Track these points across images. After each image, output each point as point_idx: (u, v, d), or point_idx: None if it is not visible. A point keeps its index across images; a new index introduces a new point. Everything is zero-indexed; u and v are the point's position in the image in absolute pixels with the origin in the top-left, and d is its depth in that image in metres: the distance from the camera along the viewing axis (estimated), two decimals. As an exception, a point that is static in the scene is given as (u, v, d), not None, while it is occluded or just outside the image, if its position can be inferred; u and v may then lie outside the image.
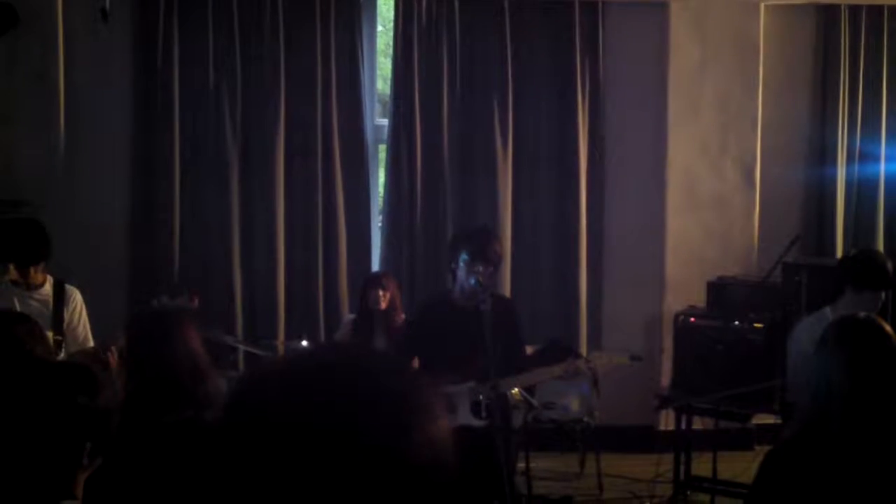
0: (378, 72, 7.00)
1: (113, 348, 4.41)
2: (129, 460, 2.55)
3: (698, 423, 6.08)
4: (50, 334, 4.63)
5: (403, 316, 5.77)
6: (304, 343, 5.77)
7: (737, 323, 5.90)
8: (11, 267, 4.83)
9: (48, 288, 4.89)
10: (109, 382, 2.43)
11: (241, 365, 6.32)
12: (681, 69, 6.77)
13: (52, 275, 4.97)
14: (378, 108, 6.96)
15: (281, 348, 6.27)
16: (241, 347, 6.14)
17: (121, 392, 2.84)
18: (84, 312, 5.00)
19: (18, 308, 3.34)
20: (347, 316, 6.29)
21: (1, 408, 2.24)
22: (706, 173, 6.84)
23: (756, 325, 5.84)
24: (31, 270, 4.83)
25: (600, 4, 6.67)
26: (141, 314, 3.10)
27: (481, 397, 4.43)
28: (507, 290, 6.48)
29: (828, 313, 4.80)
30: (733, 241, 6.83)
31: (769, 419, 6.01)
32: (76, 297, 4.97)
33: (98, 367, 4.27)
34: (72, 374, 2.33)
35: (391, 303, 5.82)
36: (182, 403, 2.83)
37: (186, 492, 2.66)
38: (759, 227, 6.87)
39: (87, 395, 2.25)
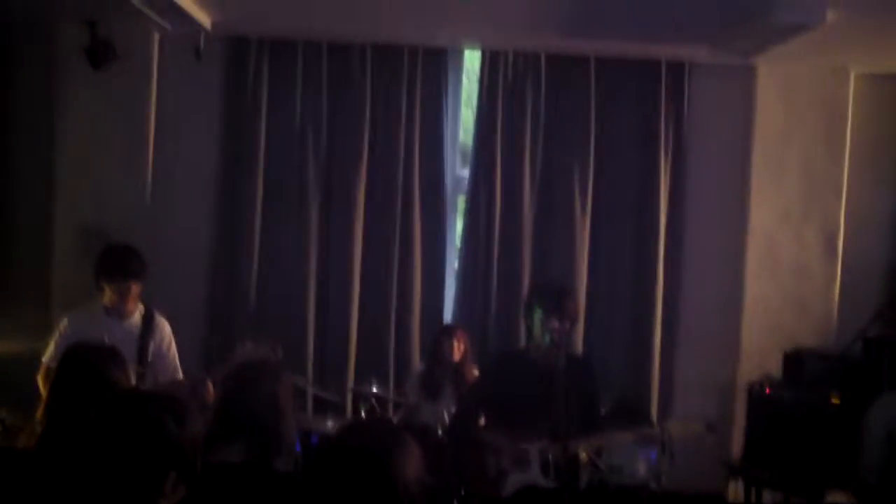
0: (460, 122, 7.04)
1: (209, 383, 4.47)
2: (204, 497, 2.58)
3: (768, 496, 5.94)
4: (133, 367, 4.72)
5: (475, 370, 5.76)
6: (374, 389, 5.76)
7: (812, 396, 5.78)
8: (107, 290, 4.91)
9: (137, 318, 4.97)
10: (201, 415, 2.45)
11: (310, 407, 6.37)
12: (766, 134, 6.71)
13: (143, 304, 5.05)
14: (458, 158, 6.99)
15: (350, 395, 6.28)
16: (311, 390, 6.17)
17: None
18: (173, 344, 5.05)
19: (106, 336, 3.41)
20: (418, 367, 6.28)
21: (84, 434, 2.27)
22: (787, 240, 6.74)
23: (833, 399, 5.71)
24: (133, 288, 4.88)
25: (687, 65, 6.64)
26: (238, 362, 3.19)
27: (551, 457, 4.39)
28: (579, 347, 6.44)
29: None
30: (812, 310, 6.69)
31: (843, 498, 5.85)
32: (164, 329, 5.03)
33: (190, 400, 4.34)
34: (159, 402, 2.36)
35: (464, 355, 5.81)
36: (259, 448, 2.88)
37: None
38: (840, 297, 6.73)
39: (174, 423, 2.28)
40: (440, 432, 5.22)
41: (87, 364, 3.23)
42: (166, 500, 2.26)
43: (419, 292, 6.62)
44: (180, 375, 5.05)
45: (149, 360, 4.91)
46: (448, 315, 6.71)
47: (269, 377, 3.03)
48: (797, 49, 5.96)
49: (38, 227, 6.33)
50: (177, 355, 5.08)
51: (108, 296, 4.92)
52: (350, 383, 6.38)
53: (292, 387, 3.10)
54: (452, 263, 6.85)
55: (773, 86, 6.69)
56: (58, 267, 6.31)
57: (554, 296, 4.63)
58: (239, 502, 2.77)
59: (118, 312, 4.94)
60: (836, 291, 6.74)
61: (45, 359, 4.91)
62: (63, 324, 4.96)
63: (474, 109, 6.81)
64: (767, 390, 5.97)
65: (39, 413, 3.22)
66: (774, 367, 6.21)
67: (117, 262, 4.93)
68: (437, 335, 5.94)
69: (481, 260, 6.62)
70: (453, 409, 5.29)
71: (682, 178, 6.72)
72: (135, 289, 4.92)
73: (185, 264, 6.46)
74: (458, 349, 5.79)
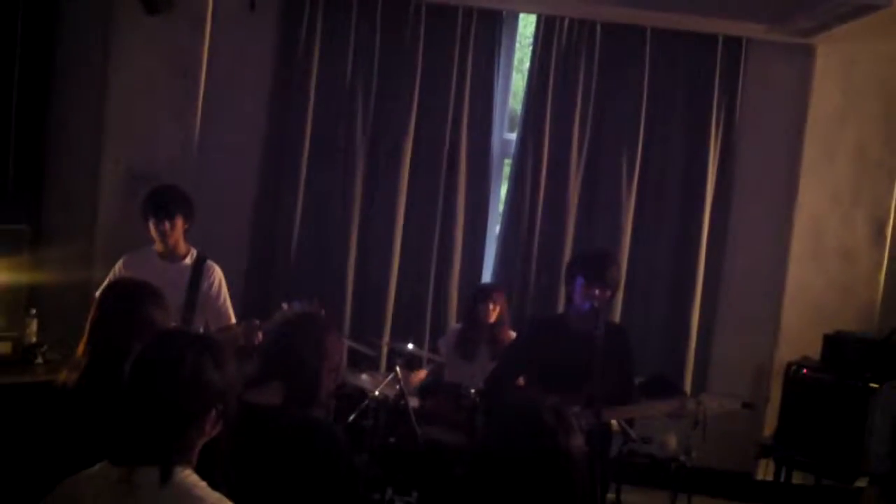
0: (511, 86, 7.00)
1: (260, 329, 4.51)
2: (245, 444, 2.61)
3: (798, 478, 5.91)
4: (181, 310, 4.76)
5: (511, 332, 5.76)
6: (410, 347, 5.78)
7: (850, 380, 5.72)
8: (151, 226, 4.96)
9: (189, 262, 5.02)
10: (245, 359, 2.48)
11: (344, 360, 6.40)
12: (820, 115, 6.62)
13: (196, 249, 5.10)
14: (506, 122, 6.95)
15: (385, 349, 6.32)
16: (347, 343, 6.20)
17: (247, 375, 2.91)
18: (224, 288, 5.08)
19: (157, 279, 3.44)
20: (453, 325, 6.31)
21: (122, 372, 2.30)
22: (835, 223, 6.67)
23: (872, 384, 5.65)
24: (166, 224, 4.94)
25: (744, 41, 6.55)
26: (292, 314, 3.23)
27: (583, 423, 4.38)
28: (617, 318, 6.42)
29: None
30: (856, 295, 6.63)
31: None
32: (215, 273, 5.07)
33: (236, 343, 4.39)
34: (196, 343, 2.38)
35: (499, 317, 5.82)
36: (295, 392, 2.90)
37: (298, 480, 2.70)
38: (885, 283, 6.65)
39: (212, 364, 2.30)
40: (473, 392, 5.23)
41: (123, 299, 3.25)
42: (205, 437, 2.29)
43: (459, 254, 6.63)
44: (233, 320, 5.09)
45: (198, 304, 4.95)
46: (487, 278, 6.71)
47: (317, 327, 3.05)
48: (859, 31, 5.87)
49: (87, 168, 6.38)
50: (228, 300, 5.11)
51: (153, 234, 4.98)
52: (386, 338, 6.41)
53: (342, 344, 3.12)
54: (494, 227, 6.84)
55: (832, 67, 6.59)
56: (104, 207, 6.37)
57: (597, 263, 4.60)
58: (274, 443, 2.79)
59: (170, 255, 5.00)
60: (882, 278, 6.67)
61: (97, 294, 4.98)
62: (118, 264, 5.04)
63: (525, 74, 6.78)
64: (805, 372, 5.93)
65: (80, 348, 3.24)
66: (813, 351, 6.16)
67: (156, 200, 4.99)
68: (474, 296, 5.94)
69: (524, 225, 6.61)
70: (487, 370, 5.29)
71: (731, 155, 6.66)
72: (169, 227, 4.94)
73: (229, 215, 6.49)
74: (493, 311, 5.79)
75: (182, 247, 5.05)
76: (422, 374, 6.07)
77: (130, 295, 3.26)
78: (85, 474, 2.24)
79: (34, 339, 5.35)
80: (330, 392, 3.07)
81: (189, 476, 2.22)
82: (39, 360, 5.25)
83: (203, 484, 2.22)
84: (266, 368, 2.90)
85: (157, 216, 4.93)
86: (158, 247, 5.01)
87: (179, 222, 4.99)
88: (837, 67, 6.58)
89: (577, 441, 2.49)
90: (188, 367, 2.26)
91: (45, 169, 6.31)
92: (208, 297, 4.99)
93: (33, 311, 5.43)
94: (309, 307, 4.48)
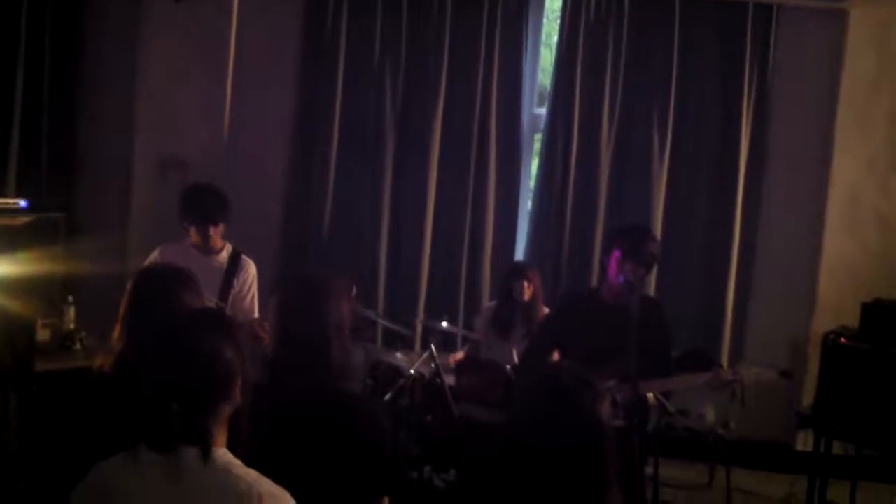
0: (539, 61, 6.96)
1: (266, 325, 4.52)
2: (268, 414, 2.61)
3: (838, 449, 5.86)
4: (214, 302, 4.78)
5: (545, 309, 5.75)
6: (445, 324, 5.79)
7: (890, 348, 5.64)
8: (192, 230, 5.02)
9: (225, 256, 5.07)
10: (251, 351, 2.46)
11: (379, 339, 6.43)
12: (854, 81, 6.52)
13: (231, 244, 5.13)
14: (535, 97, 6.92)
15: (419, 327, 6.33)
16: (381, 322, 6.23)
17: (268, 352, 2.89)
18: (255, 285, 5.12)
19: (194, 270, 3.44)
20: (488, 303, 6.31)
21: (147, 353, 2.32)
22: (871, 191, 6.58)
23: (912, 352, 5.58)
24: (211, 230, 4.99)
25: (775, 7, 6.47)
26: (298, 275, 3.14)
27: (620, 397, 4.36)
28: (651, 291, 6.39)
29: None
30: (893, 262, 6.54)
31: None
32: (249, 269, 5.11)
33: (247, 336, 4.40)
34: (210, 318, 2.39)
35: (534, 294, 5.81)
36: (321, 368, 2.85)
37: (322, 450, 2.70)
38: (925, 251, 6.57)
39: (228, 340, 2.30)
40: (509, 369, 5.23)
41: (157, 284, 3.25)
42: (231, 406, 2.30)
43: (491, 231, 6.62)
44: (255, 316, 5.11)
45: (231, 298, 4.99)
46: (520, 254, 6.70)
47: (322, 295, 2.95)
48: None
49: (120, 157, 6.43)
50: (256, 297, 5.14)
51: (192, 235, 5.03)
52: (420, 316, 6.42)
53: (349, 306, 3.01)
54: (525, 203, 6.82)
55: (865, 32, 6.49)
56: (136, 194, 6.41)
57: (636, 237, 4.54)
58: (315, 423, 2.76)
59: (206, 248, 5.04)
60: (920, 245, 6.58)
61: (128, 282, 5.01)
62: (154, 255, 5.07)
63: (554, 49, 6.73)
64: (843, 341, 5.85)
65: (115, 333, 3.26)
66: (851, 320, 6.07)
67: (198, 205, 5.02)
68: (508, 274, 5.94)
69: (556, 200, 6.58)
70: (523, 348, 5.29)
71: (764, 125, 6.59)
72: (214, 230, 5.00)
73: (260, 201, 6.49)
74: (528, 289, 5.78)
75: (218, 241, 5.09)
76: (459, 355, 6.07)
77: (164, 280, 3.26)
78: (117, 458, 2.25)
79: (72, 326, 5.40)
80: (349, 362, 2.99)
81: (225, 454, 2.23)
82: (78, 346, 5.30)
83: (238, 462, 2.23)
84: (286, 349, 2.86)
85: (203, 223, 4.97)
86: (194, 240, 5.05)
87: (222, 226, 5.05)
88: (871, 32, 6.48)
89: (606, 408, 2.48)
90: (206, 347, 2.27)
91: (76, 158, 6.36)
92: (240, 292, 5.04)
93: (70, 299, 5.48)
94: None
